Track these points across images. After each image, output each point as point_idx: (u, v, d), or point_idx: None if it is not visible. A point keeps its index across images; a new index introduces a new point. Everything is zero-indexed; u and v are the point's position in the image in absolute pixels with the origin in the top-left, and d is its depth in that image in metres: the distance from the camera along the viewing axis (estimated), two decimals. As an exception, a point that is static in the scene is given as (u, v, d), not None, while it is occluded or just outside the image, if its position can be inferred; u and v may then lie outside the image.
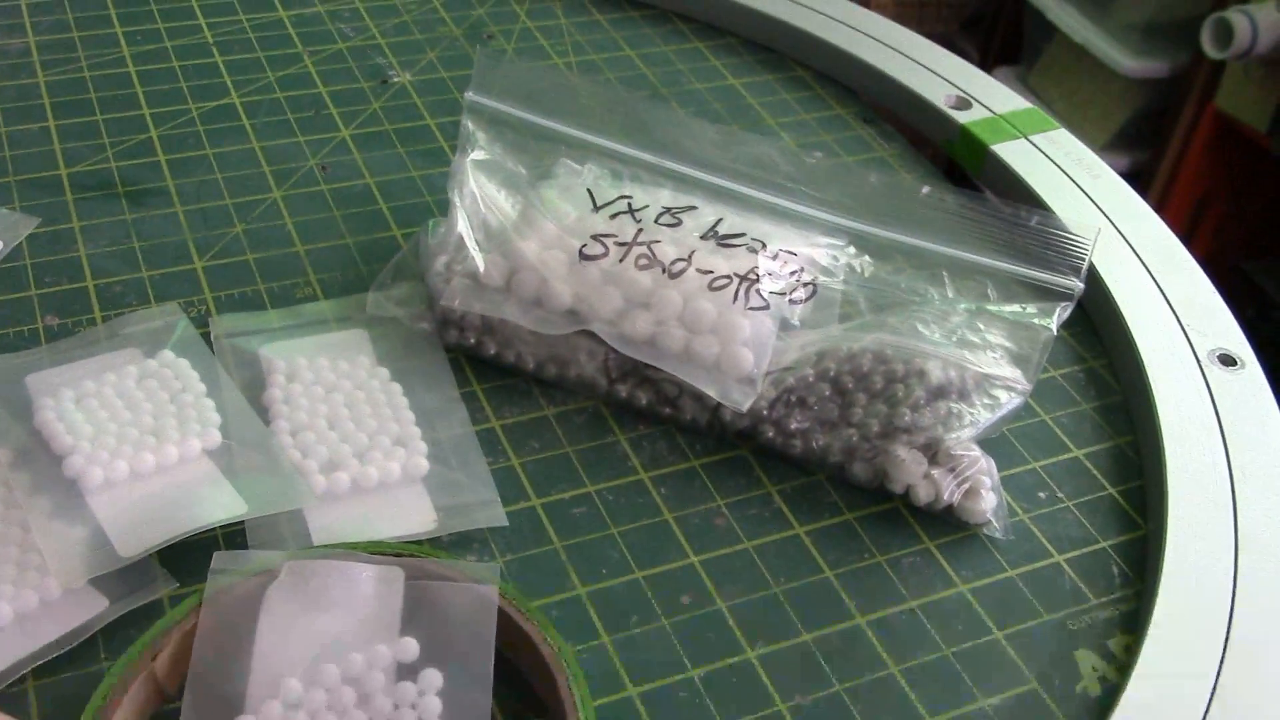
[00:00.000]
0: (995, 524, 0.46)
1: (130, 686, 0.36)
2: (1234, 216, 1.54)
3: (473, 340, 0.51)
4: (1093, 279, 0.56)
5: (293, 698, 0.36)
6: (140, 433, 0.45)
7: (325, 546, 0.41)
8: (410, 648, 0.38)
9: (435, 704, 0.37)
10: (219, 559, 0.39)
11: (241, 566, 0.39)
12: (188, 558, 0.42)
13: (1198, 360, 0.53)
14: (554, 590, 0.43)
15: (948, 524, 0.47)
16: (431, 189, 0.61)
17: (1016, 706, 0.41)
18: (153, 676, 0.37)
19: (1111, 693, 0.41)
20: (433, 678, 0.37)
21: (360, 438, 0.46)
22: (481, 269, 0.51)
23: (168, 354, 0.48)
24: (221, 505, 0.43)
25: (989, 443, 0.49)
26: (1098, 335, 0.57)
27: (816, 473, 0.48)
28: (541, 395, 0.50)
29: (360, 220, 0.58)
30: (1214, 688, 0.40)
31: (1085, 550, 0.47)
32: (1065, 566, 0.46)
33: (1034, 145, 0.65)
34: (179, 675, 0.38)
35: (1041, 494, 0.49)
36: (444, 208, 0.53)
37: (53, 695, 0.38)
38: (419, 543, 0.43)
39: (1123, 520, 0.48)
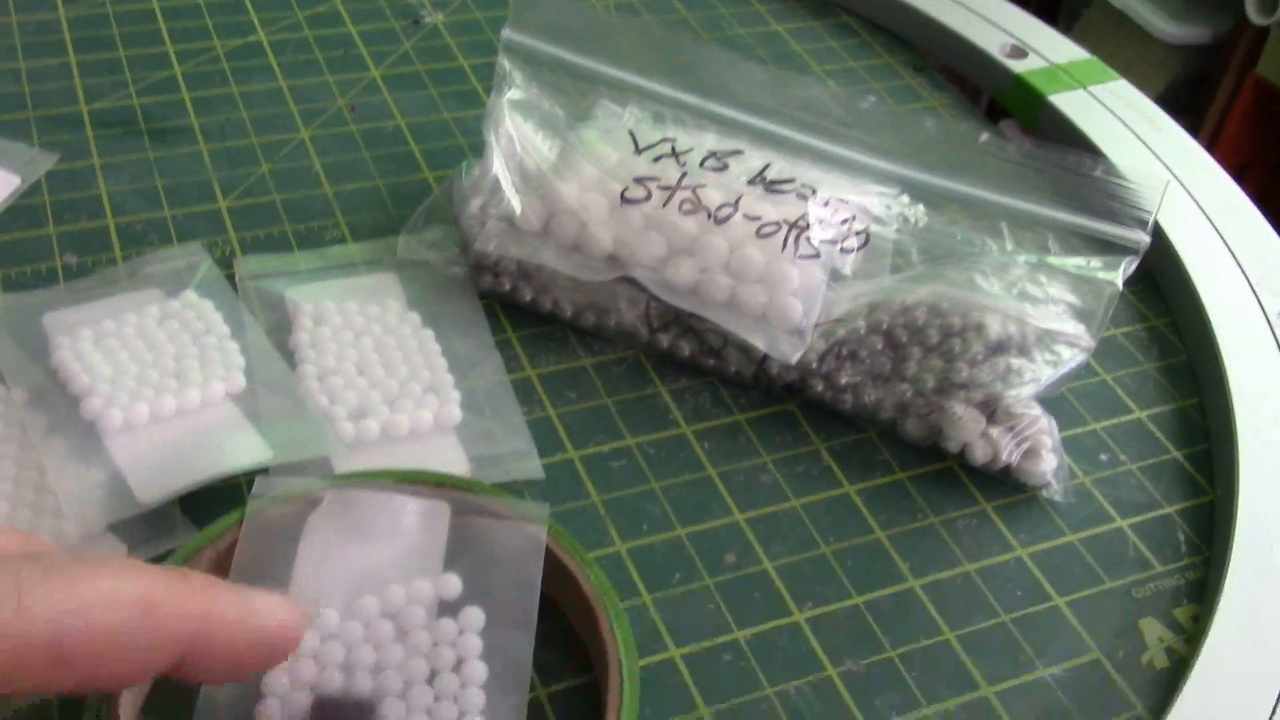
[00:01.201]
0: (1055, 486, 0.44)
1: None
2: (1274, 186, 1.51)
3: (508, 286, 0.49)
4: (1156, 234, 0.53)
5: (329, 628, 0.35)
6: (161, 375, 0.43)
7: (367, 472, 0.39)
8: (453, 584, 0.36)
9: (475, 643, 0.35)
10: (260, 484, 0.38)
11: (282, 492, 0.37)
12: (210, 505, 0.40)
13: (1267, 319, 0.50)
14: (592, 546, 0.41)
15: (1005, 485, 0.45)
16: (465, 131, 0.58)
17: (1079, 677, 0.39)
18: None
19: (1179, 665, 0.39)
20: (474, 616, 0.35)
21: (390, 384, 0.44)
22: (518, 212, 0.49)
23: (190, 295, 0.46)
24: (245, 451, 0.41)
25: (1047, 403, 0.46)
26: (1160, 293, 0.54)
27: (867, 429, 0.46)
28: (579, 344, 0.48)
29: (390, 162, 0.56)
30: (1289, 661, 0.38)
31: (1150, 515, 0.44)
32: (1129, 532, 0.44)
33: (1093, 96, 0.62)
34: None
35: (1103, 456, 0.46)
36: (478, 150, 0.51)
37: (68, 645, 0.37)
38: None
39: (1188, 485, 0.46)
